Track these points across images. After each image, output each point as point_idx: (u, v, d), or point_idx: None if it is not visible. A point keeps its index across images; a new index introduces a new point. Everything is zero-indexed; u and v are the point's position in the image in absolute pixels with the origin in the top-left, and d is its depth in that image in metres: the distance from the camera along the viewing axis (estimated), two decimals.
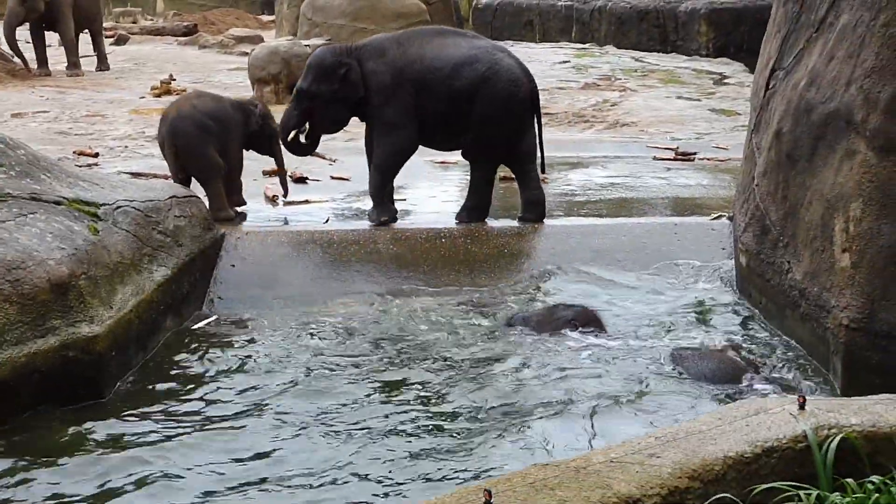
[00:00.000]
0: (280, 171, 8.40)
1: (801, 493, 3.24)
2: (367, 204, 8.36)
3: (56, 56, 19.02)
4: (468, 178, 8.11)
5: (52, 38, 18.22)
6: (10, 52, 17.38)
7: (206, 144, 7.84)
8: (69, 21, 17.47)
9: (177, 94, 15.51)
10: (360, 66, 7.71)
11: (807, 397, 3.60)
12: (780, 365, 5.79)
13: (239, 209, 8.12)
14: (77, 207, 6.01)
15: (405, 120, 7.70)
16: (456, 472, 4.59)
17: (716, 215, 7.93)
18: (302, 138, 7.98)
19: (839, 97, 5.70)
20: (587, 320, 6.32)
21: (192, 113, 7.90)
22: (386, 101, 7.66)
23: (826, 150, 5.77)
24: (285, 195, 8.45)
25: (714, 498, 3.24)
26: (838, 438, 3.40)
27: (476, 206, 7.94)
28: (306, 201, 8.50)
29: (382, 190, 7.87)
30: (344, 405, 5.36)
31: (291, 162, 8.62)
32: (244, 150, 8.24)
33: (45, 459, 4.75)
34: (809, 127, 5.95)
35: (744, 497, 3.29)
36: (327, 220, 8.12)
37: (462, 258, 7.39)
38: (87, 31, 18.67)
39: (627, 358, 5.90)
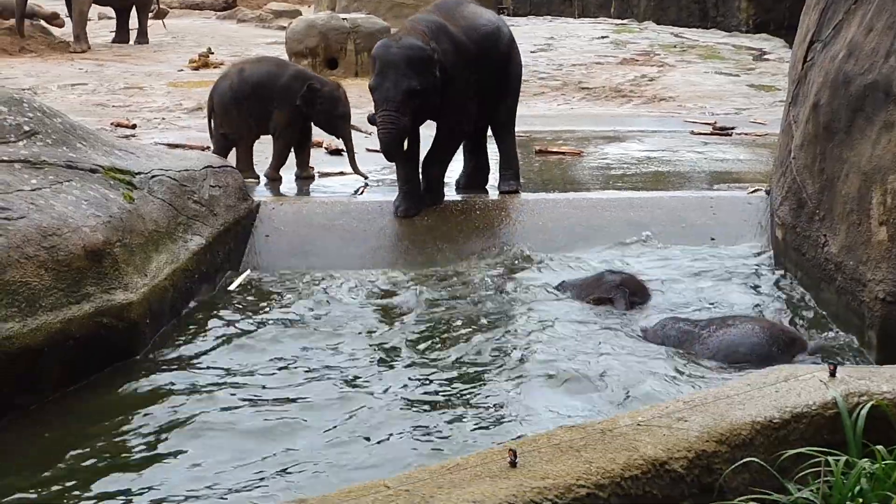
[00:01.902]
0: (350, 154, 8.40)
1: (830, 458, 3.23)
2: None
3: (95, 30, 19.17)
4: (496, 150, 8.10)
5: (93, 13, 18.33)
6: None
7: (236, 107, 8.08)
8: None
9: (214, 68, 15.62)
10: None
11: (837, 365, 3.58)
12: (815, 338, 5.75)
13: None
14: (112, 176, 6.04)
15: (469, 96, 7.55)
16: (482, 433, 4.60)
17: (753, 189, 7.89)
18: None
19: (878, 69, 5.65)
20: (634, 286, 6.32)
21: (235, 76, 8.29)
22: (454, 79, 7.34)
23: (864, 123, 5.73)
24: (365, 179, 8.41)
25: (741, 462, 3.24)
26: (869, 405, 3.38)
27: (515, 173, 7.95)
28: (341, 173, 8.51)
29: (444, 174, 7.75)
30: (372, 366, 5.42)
31: (326, 135, 8.63)
32: (304, 123, 8.32)
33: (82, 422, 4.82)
34: (847, 99, 5.91)
35: (772, 462, 3.28)
36: (361, 192, 8.14)
37: (496, 229, 7.37)
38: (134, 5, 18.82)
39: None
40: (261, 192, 7.98)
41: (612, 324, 5.96)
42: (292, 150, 8.41)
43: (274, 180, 8.39)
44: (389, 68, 7.11)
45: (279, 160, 8.41)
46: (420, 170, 7.60)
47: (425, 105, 7.22)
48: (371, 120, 7.35)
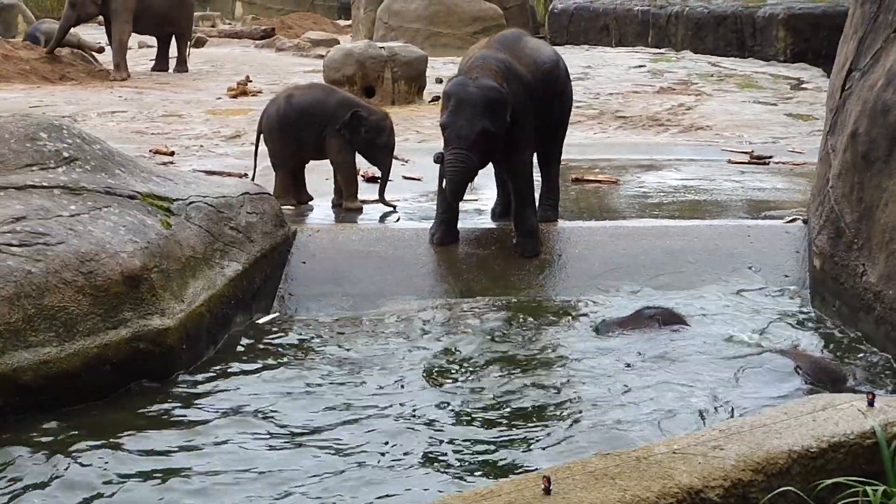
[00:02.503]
0: (382, 183, 8.40)
1: (868, 488, 3.20)
2: None
3: (135, 58, 19.34)
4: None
5: (133, 41, 18.51)
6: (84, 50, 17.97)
7: (282, 132, 8.12)
8: (122, 24, 17.81)
9: (252, 96, 15.72)
10: None
11: (876, 395, 3.55)
12: (854, 368, 5.71)
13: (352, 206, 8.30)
14: (150, 202, 6.08)
15: (531, 133, 7.39)
16: (516, 460, 4.59)
17: (790, 218, 7.85)
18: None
19: None
20: (669, 316, 6.26)
21: (282, 101, 8.30)
22: (518, 117, 7.15)
23: None
24: (393, 209, 8.36)
25: (778, 491, 3.21)
26: None
27: (555, 203, 7.92)
28: (377, 200, 8.52)
29: (536, 217, 7.54)
30: (406, 395, 5.39)
31: (362, 162, 8.64)
32: (350, 151, 8.25)
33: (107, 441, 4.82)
34: (886, 128, 5.88)
35: (808, 492, 3.26)
36: (398, 219, 8.14)
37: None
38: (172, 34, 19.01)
39: (699, 355, 5.87)
40: (311, 220, 8.03)
41: (651, 356, 5.91)
42: (333, 177, 8.42)
43: (355, 209, 8.29)
44: (465, 107, 6.93)
45: (349, 187, 8.33)
46: (513, 222, 7.51)
47: (494, 147, 7.08)
48: (438, 159, 7.16)
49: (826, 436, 3.35)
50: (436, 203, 7.58)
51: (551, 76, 7.57)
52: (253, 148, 8.54)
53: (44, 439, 4.80)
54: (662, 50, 22.33)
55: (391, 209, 8.32)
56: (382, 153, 8.29)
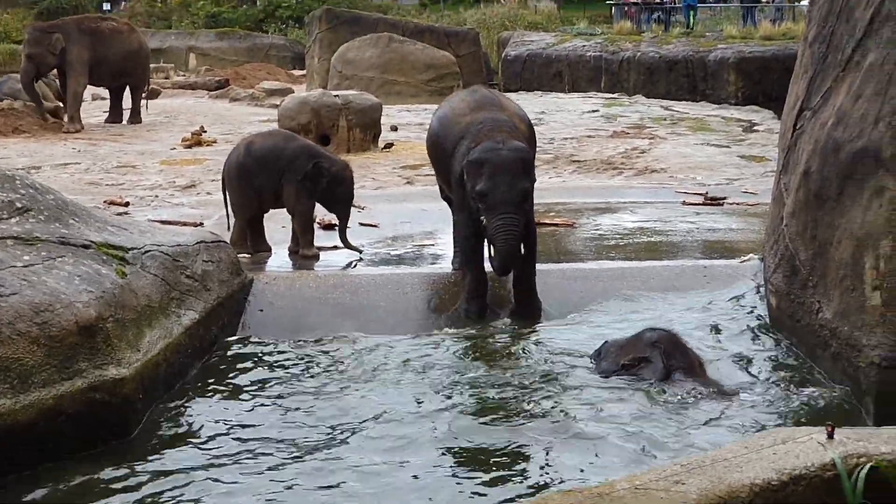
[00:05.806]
0: (342, 229, 8.40)
1: None
2: (396, 249, 8.47)
3: (89, 110, 19.28)
4: None
5: (86, 93, 18.41)
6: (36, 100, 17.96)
7: (240, 180, 8.11)
8: (77, 76, 17.86)
9: (207, 146, 15.69)
10: None
11: (835, 427, 3.56)
12: (812, 404, 5.72)
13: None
14: (105, 251, 6.03)
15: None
16: (485, 495, 4.56)
17: (746, 258, 7.89)
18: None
19: (867, 135, 5.68)
20: (670, 342, 6.06)
21: (242, 148, 8.34)
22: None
23: (854, 189, 5.74)
24: (360, 253, 8.38)
25: None
26: (868, 467, 3.36)
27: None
28: (335, 247, 8.51)
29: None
30: (377, 436, 5.34)
31: (319, 210, 8.62)
32: (309, 200, 8.25)
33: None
34: (837, 166, 5.93)
35: None
36: (355, 265, 8.13)
37: (492, 301, 7.35)
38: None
39: (650, 394, 5.86)
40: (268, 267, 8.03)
41: (633, 387, 5.90)
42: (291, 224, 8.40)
43: (311, 257, 8.28)
44: (502, 172, 6.86)
45: (305, 235, 8.32)
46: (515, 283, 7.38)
47: (526, 206, 7.04)
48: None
49: (787, 468, 3.36)
50: (468, 281, 7.39)
51: (532, 130, 7.63)
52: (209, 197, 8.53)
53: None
54: (615, 95, 22.54)
55: (358, 253, 8.31)
56: (342, 202, 8.29)
